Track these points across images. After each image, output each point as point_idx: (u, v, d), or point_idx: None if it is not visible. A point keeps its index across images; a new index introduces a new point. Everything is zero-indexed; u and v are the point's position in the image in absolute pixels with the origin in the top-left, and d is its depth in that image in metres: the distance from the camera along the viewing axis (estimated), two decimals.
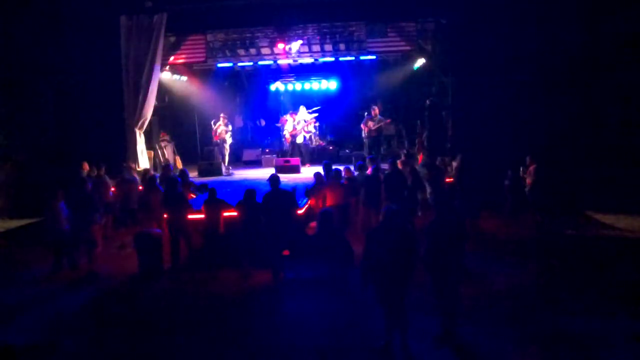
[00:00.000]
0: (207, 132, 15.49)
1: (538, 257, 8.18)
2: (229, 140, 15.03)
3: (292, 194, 7.99)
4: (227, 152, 15.04)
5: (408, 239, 5.20)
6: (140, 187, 10.55)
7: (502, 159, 10.37)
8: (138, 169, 12.38)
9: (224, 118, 14.94)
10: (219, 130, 14.87)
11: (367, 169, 9.66)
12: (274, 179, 7.88)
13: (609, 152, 11.12)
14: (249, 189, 7.94)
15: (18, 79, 12.48)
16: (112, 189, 10.22)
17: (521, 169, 9.59)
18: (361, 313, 6.13)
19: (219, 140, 14.95)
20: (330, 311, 6.36)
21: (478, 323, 5.84)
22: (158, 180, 9.79)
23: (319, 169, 9.73)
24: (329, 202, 8.37)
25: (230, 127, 15.15)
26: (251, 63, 15.31)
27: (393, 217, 5.25)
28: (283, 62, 15.06)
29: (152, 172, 12.25)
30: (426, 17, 12.92)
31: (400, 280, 5.14)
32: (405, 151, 12.50)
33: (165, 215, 8.54)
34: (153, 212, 8.71)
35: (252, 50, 14.30)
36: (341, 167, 9.79)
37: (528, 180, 9.51)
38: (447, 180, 10.42)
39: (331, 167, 9.59)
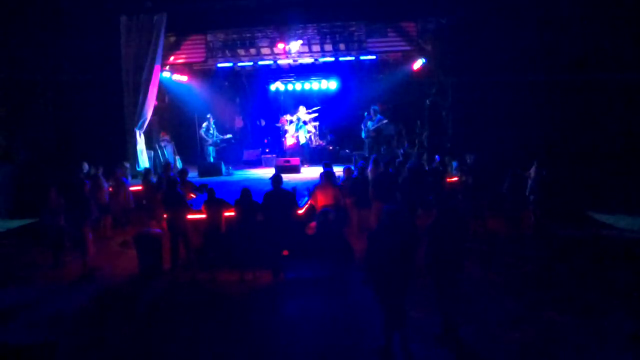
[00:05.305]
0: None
1: (537, 257, 8.19)
2: (208, 140, 15.01)
3: (293, 194, 8.01)
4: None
5: (410, 239, 5.20)
6: (141, 187, 10.57)
7: (502, 159, 10.37)
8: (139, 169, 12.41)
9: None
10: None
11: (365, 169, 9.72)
12: (276, 179, 7.92)
13: (609, 152, 11.11)
14: (244, 188, 7.98)
15: (18, 79, 12.48)
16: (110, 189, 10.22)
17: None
18: (361, 313, 6.13)
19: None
20: (330, 311, 6.36)
21: (478, 323, 5.84)
22: (157, 180, 9.80)
23: (319, 169, 9.74)
24: (321, 202, 8.37)
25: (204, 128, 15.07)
26: (251, 63, 15.30)
27: (394, 217, 5.25)
28: (283, 62, 15.07)
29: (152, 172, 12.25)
30: (426, 17, 12.92)
31: (401, 280, 5.15)
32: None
33: (165, 215, 8.55)
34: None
35: (252, 50, 14.30)
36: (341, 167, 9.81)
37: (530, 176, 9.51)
38: (448, 180, 10.44)
39: (331, 166, 9.60)
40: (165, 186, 8.75)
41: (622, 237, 9.12)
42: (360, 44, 13.80)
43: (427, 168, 10.59)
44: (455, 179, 10.50)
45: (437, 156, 10.95)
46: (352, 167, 9.75)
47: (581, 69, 11.17)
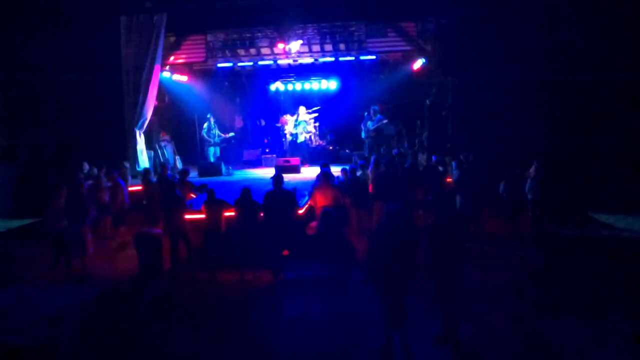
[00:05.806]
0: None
1: (537, 256, 8.19)
2: (210, 140, 15.04)
3: (293, 194, 8.01)
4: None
5: (410, 239, 5.20)
6: (141, 187, 10.58)
7: (502, 158, 10.38)
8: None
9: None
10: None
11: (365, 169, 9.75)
12: (277, 178, 7.92)
13: (609, 152, 11.11)
14: (244, 188, 7.98)
15: (18, 79, 12.48)
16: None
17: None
18: (361, 313, 6.13)
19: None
20: (331, 311, 6.36)
21: (479, 323, 5.84)
22: (157, 180, 9.80)
23: (319, 169, 9.75)
24: (320, 202, 8.38)
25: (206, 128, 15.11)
26: (251, 63, 15.29)
27: (395, 216, 5.25)
28: (283, 62, 15.06)
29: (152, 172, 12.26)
30: (426, 17, 12.92)
31: (401, 280, 5.15)
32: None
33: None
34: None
35: (252, 50, 14.29)
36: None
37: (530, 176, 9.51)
38: (448, 180, 10.43)
39: (328, 167, 9.61)
40: (163, 187, 8.75)
41: (622, 237, 9.12)
42: (360, 44, 13.79)
43: (422, 168, 10.60)
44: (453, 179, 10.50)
45: (433, 156, 10.96)
46: (348, 168, 9.79)
47: (581, 69, 11.17)
